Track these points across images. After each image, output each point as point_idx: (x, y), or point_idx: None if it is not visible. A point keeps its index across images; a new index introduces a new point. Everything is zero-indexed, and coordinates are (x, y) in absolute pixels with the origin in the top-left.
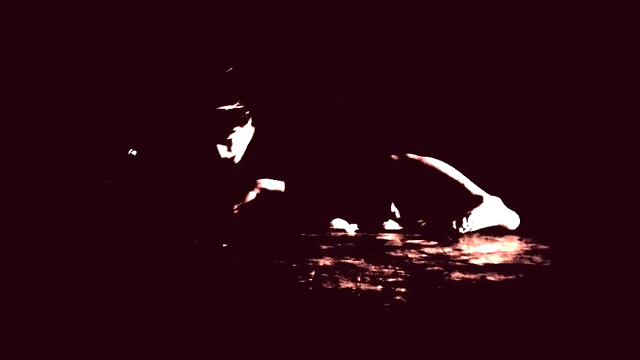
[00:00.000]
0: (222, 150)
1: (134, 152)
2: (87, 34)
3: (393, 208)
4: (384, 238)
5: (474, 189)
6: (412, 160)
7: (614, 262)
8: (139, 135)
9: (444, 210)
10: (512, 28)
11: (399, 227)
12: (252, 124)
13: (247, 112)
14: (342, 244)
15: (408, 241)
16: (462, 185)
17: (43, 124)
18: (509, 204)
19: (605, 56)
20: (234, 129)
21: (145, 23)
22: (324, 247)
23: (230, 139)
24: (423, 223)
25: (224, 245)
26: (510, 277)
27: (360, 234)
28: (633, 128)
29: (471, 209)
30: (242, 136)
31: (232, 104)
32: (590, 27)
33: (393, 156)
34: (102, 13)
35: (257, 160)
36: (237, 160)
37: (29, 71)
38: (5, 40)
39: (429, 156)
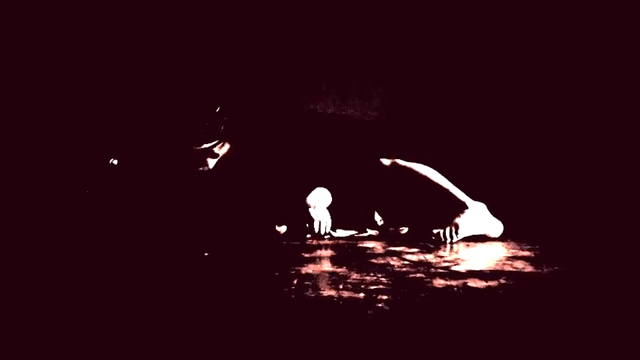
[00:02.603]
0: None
1: (115, 161)
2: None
3: (376, 216)
4: (365, 245)
5: (460, 195)
6: (400, 166)
7: (595, 267)
8: (125, 143)
9: (429, 217)
10: (493, 41)
11: (376, 233)
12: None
13: (227, 146)
14: (323, 252)
15: (390, 249)
16: (448, 191)
17: (27, 133)
18: (491, 210)
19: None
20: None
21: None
22: (306, 255)
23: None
24: (404, 230)
25: (206, 254)
26: (492, 283)
27: (341, 242)
28: (610, 136)
29: (457, 219)
30: (215, 159)
31: (211, 142)
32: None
33: (383, 161)
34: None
35: (242, 168)
36: (210, 167)
37: (14, 80)
38: None
39: (414, 162)
